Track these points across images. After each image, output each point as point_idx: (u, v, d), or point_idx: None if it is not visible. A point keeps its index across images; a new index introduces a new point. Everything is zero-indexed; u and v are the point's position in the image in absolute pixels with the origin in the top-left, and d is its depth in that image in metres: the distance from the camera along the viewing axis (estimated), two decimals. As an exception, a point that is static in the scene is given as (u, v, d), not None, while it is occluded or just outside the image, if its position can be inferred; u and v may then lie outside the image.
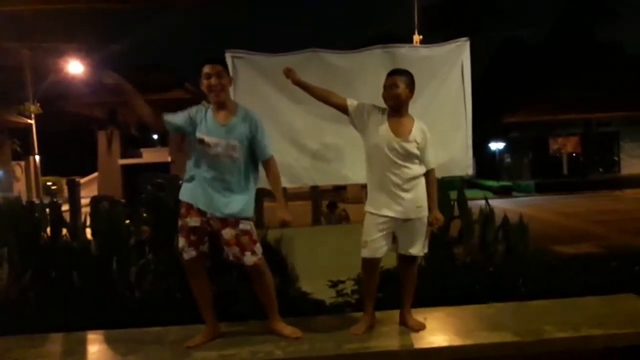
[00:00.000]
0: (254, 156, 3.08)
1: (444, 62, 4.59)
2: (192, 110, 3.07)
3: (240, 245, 2.99)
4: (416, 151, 3.07)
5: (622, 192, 19.65)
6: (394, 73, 3.16)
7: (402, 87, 3.08)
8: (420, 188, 3.12)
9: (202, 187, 3.01)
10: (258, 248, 3.04)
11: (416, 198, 3.08)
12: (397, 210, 3.05)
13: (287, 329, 3.11)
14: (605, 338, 2.99)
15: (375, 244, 3.07)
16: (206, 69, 2.99)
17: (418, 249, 3.16)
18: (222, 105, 3.04)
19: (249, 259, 2.98)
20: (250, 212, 3.06)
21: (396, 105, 3.10)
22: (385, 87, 3.14)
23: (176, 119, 3.05)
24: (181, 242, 3.05)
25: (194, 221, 3.01)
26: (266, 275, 3.08)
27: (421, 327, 3.15)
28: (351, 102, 3.20)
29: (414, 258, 3.19)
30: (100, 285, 3.75)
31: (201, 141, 2.98)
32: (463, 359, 2.98)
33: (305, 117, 4.40)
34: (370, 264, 3.12)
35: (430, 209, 3.15)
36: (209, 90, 3.00)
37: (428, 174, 3.16)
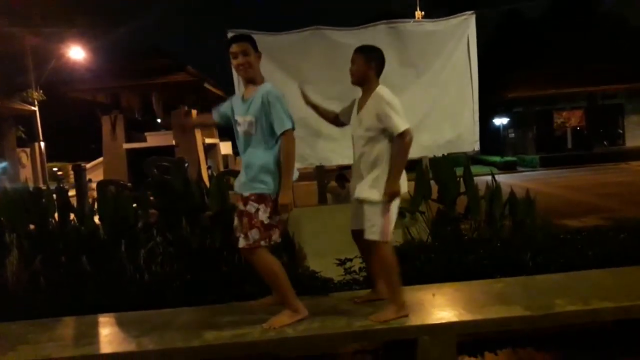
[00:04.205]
0: (274, 132, 2.93)
1: (450, 37, 4.54)
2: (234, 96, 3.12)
3: (240, 224, 2.94)
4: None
5: (628, 165, 19.59)
6: (356, 49, 3.11)
7: (359, 62, 3.05)
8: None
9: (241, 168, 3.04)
10: (254, 234, 2.88)
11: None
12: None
13: (274, 318, 2.98)
14: (615, 311, 2.99)
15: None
16: (232, 48, 2.98)
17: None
18: (252, 81, 3.02)
19: (241, 241, 2.93)
20: (255, 189, 2.90)
21: (356, 82, 3.10)
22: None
23: (222, 107, 3.15)
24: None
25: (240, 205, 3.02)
26: (257, 264, 2.96)
27: (378, 319, 2.96)
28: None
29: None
30: (110, 269, 3.77)
31: (235, 121, 3.02)
32: (473, 334, 3.01)
33: (310, 96, 4.36)
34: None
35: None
36: (237, 69, 3.00)
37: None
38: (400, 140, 2.92)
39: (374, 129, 2.99)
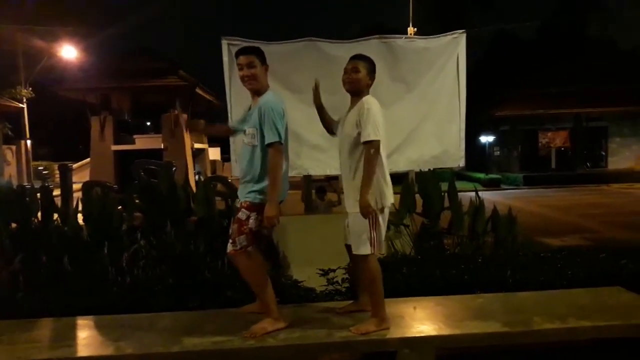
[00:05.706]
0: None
1: (440, 54, 4.62)
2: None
3: (232, 230, 3.00)
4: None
5: (609, 187, 19.93)
6: (356, 57, 3.11)
7: (363, 72, 3.04)
8: None
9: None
10: (241, 240, 2.93)
11: None
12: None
13: (255, 326, 2.99)
14: (592, 330, 3.03)
15: None
16: (239, 59, 3.03)
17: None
18: (257, 92, 3.05)
19: (228, 246, 3.00)
20: (248, 197, 2.96)
21: (353, 90, 3.07)
22: (345, 70, 3.09)
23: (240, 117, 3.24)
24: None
25: None
26: (242, 269, 3.00)
27: (359, 330, 2.96)
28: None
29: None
30: (91, 271, 3.73)
31: (243, 131, 3.05)
32: (452, 348, 3.03)
33: (300, 106, 4.39)
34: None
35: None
36: (242, 80, 3.04)
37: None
38: (366, 150, 2.91)
39: (353, 135, 2.98)
